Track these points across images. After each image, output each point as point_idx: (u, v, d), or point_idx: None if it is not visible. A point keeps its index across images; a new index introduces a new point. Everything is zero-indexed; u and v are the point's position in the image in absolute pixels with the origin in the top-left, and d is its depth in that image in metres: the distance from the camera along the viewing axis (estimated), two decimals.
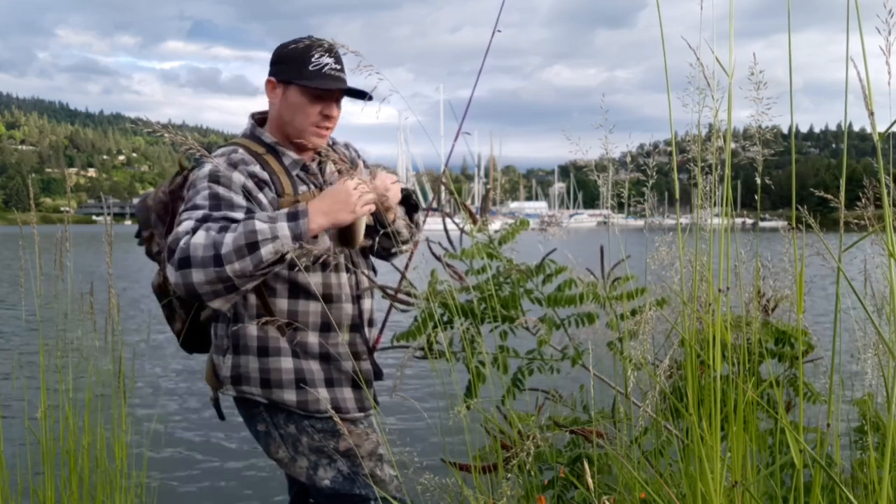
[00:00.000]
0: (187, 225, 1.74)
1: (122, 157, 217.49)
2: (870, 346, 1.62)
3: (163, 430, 5.76)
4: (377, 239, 2.11)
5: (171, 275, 1.71)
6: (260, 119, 2.08)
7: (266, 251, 1.69)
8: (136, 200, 2.21)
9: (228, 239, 1.69)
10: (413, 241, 2.20)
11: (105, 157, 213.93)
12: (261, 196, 1.87)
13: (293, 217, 1.74)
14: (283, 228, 1.72)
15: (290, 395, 1.94)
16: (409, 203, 2.17)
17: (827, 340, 1.43)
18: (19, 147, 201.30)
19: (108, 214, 2.69)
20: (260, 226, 1.70)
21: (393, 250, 2.15)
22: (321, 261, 1.81)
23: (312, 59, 1.89)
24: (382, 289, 2.11)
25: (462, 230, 2.16)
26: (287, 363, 1.95)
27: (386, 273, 2.26)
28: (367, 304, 2.09)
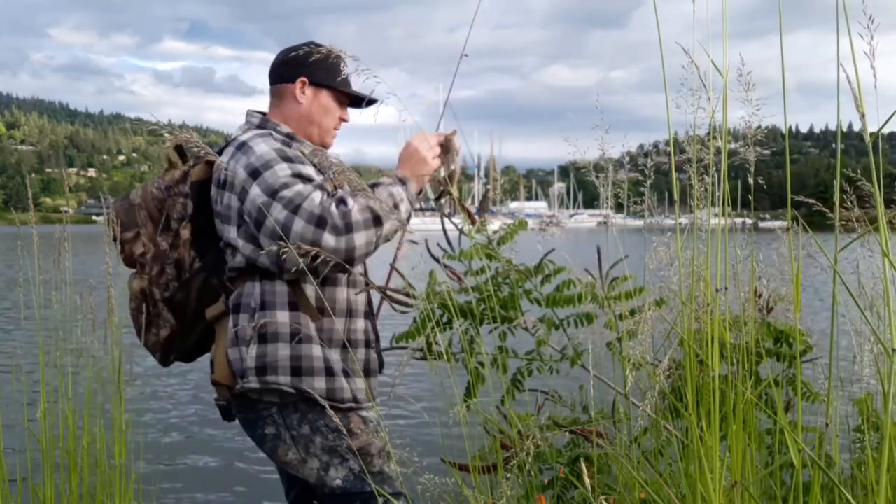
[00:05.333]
0: (316, 196, 1.83)
1: (122, 157, 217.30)
2: (865, 345, 1.62)
3: (163, 430, 5.77)
4: None
5: (331, 240, 1.79)
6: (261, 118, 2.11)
7: (404, 210, 1.94)
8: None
9: (376, 204, 1.84)
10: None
11: (105, 157, 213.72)
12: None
13: (402, 182, 1.97)
14: (402, 192, 1.95)
15: (319, 383, 1.93)
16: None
17: (826, 341, 1.43)
18: (19, 147, 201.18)
19: (108, 214, 2.69)
20: (394, 189, 1.94)
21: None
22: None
23: (342, 68, 2.06)
24: (381, 290, 2.11)
25: (461, 231, 2.15)
26: (317, 350, 1.95)
27: (378, 266, 2.27)
28: (373, 292, 2.13)
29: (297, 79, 2.07)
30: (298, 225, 1.80)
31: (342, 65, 2.04)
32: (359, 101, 2.16)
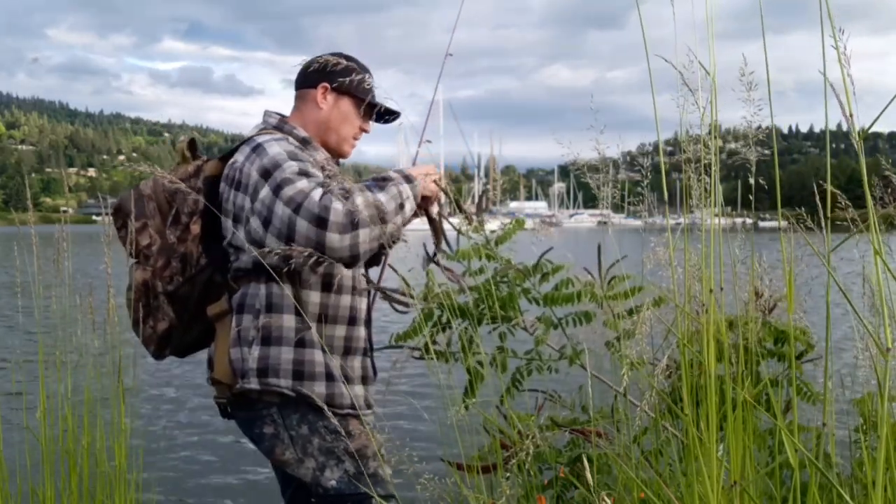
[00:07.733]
0: (315, 194, 1.77)
1: (122, 157, 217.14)
2: (861, 342, 1.61)
3: (162, 429, 5.77)
4: None
5: (335, 239, 1.74)
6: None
7: (408, 209, 1.88)
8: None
9: (382, 198, 1.81)
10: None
11: (105, 156, 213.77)
12: None
13: (408, 180, 1.91)
14: (408, 191, 1.89)
15: (320, 388, 1.94)
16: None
17: (832, 341, 1.43)
18: (19, 147, 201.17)
19: (108, 214, 2.69)
20: (402, 187, 1.87)
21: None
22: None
23: (366, 78, 2.08)
24: (382, 290, 2.11)
25: (459, 231, 2.15)
26: (318, 356, 1.96)
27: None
28: (368, 299, 2.13)
29: (320, 84, 2.07)
30: (302, 226, 1.77)
31: (367, 76, 2.07)
32: (381, 116, 2.17)
